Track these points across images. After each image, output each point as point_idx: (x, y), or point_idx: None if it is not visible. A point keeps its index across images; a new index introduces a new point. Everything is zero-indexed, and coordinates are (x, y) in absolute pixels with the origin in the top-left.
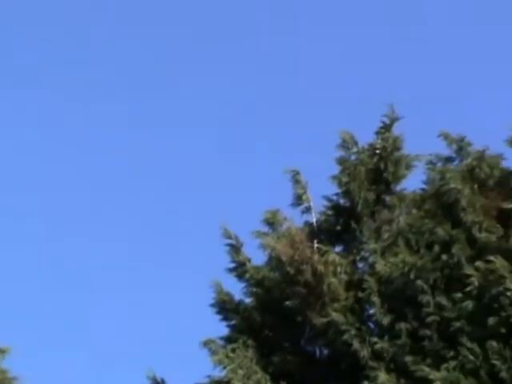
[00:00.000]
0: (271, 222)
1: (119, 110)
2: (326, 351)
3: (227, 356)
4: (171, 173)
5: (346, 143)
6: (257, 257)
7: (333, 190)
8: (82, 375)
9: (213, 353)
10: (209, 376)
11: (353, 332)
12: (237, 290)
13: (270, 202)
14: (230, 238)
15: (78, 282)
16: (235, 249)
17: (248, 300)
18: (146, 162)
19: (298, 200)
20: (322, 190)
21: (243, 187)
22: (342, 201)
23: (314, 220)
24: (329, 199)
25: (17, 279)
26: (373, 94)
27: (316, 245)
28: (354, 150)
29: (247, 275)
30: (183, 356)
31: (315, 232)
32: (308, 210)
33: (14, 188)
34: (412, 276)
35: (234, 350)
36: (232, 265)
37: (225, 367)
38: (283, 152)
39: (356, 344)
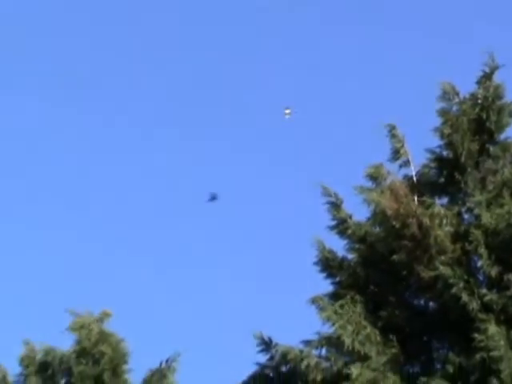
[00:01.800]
0: (375, 177)
1: None
2: (432, 304)
3: (336, 312)
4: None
5: (447, 94)
6: (357, 213)
7: (433, 142)
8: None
9: (321, 309)
10: (318, 333)
11: (461, 285)
12: (339, 247)
13: (364, 159)
14: (329, 195)
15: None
16: (335, 206)
17: (351, 256)
18: None
19: (396, 154)
20: (420, 144)
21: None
22: (444, 153)
23: (414, 173)
24: (431, 151)
25: None
26: (472, 43)
27: (418, 198)
28: (456, 100)
29: (349, 231)
30: (289, 314)
31: (415, 185)
32: (406, 163)
33: None
34: None
35: (342, 306)
36: (333, 222)
37: (334, 323)
38: (379, 108)
39: (465, 297)
